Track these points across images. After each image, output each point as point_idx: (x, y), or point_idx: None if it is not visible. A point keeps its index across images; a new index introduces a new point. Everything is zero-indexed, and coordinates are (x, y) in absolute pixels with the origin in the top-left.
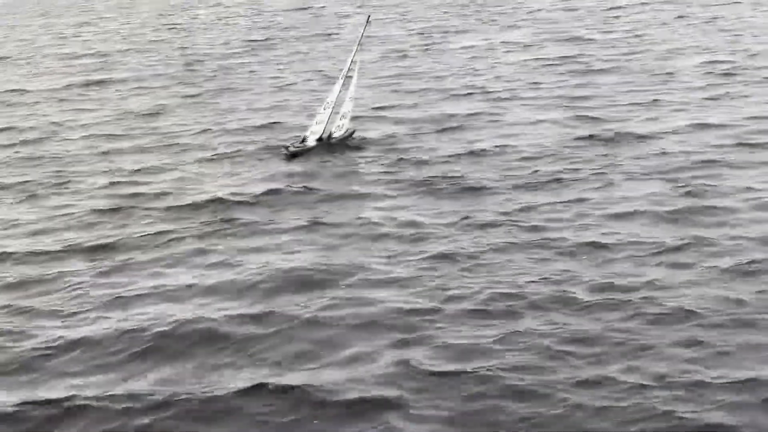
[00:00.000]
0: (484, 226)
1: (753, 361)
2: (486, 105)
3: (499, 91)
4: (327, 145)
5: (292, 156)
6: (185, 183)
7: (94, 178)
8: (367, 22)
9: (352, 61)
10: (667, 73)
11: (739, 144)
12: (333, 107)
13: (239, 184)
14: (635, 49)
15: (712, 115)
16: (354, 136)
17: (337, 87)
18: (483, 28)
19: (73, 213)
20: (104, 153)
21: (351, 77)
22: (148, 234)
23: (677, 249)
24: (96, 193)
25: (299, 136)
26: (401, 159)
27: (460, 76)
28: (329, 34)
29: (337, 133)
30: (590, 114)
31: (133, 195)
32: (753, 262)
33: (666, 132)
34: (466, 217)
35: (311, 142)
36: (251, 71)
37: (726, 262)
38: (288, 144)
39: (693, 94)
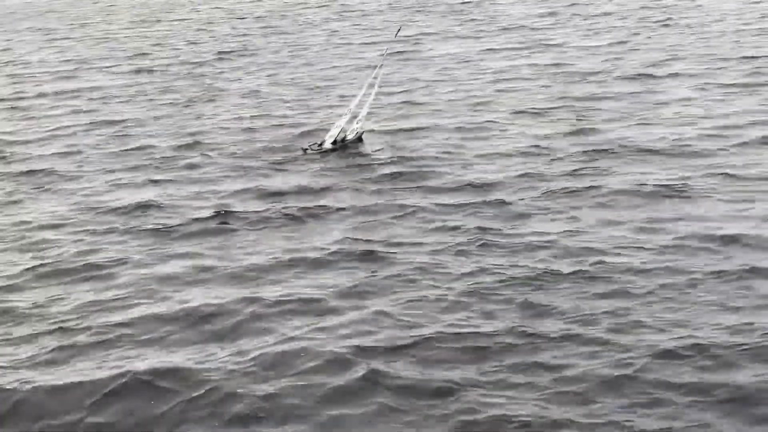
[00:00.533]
0: (467, 243)
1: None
2: (467, 114)
3: (479, 99)
4: (312, 154)
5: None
6: (160, 197)
7: (67, 191)
8: (398, 32)
9: (378, 70)
10: (653, 82)
11: (725, 155)
12: (352, 114)
13: (216, 200)
14: (619, 56)
15: (698, 124)
16: (363, 138)
17: (361, 94)
18: (462, 35)
19: (47, 227)
20: (77, 164)
21: (373, 86)
22: (127, 251)
23: (665, 271)
24: (70, 207)
25: (318, 139)
26: (382, 173)
27: (439, 85)
28: (308, 42)
29: (350, 136)
30: (575, 123)
31: (110, 209)
32: (750, 288)
33: (651, 142)
34: (451, 234)
35: (327, 145)
36: (228, 79)
37: (720, 288)
38: (306, 146)
39: (677, 104)
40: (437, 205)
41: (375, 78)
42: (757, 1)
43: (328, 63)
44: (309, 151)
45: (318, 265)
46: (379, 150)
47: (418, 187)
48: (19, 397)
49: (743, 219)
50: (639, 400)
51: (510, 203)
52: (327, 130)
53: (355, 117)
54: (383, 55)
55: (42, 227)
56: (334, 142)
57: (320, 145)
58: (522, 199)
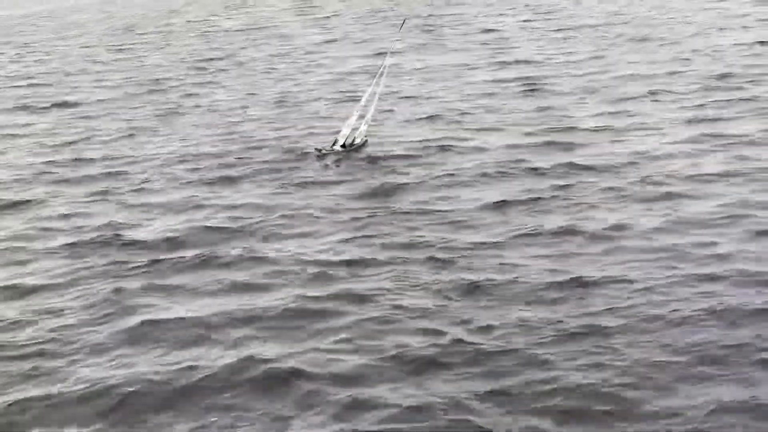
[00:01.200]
0: (449, 260)
1: None
2: (443, 129)
3: (456, 114)
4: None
5: (323, 157)
6: (127, 218)
7: (35, 215)
8: (402, 25)
9: (381, 71)
10: (627, 98)
11: (703, 168)
12: (359, 115)
13: (183, 219)
14: (594, 71)
15: (674, 140)
16: (366, 144)
17: (367, 95)
18: (437, 48)
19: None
20: (48, 185)
21: (379, 86)
22: (92, 272)
23: (644, 285)
24: (38, 230)
25: (332, 139)
26: (360, 190)
27: (416, 100)
28: (285, 55)
29: (358, 140)
30: (549, 138)
31: (80, 227)
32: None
33: (627, 157)
34: (431, 249)
35: (338, 147)
36: (201, 95)
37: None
38: (320, 147)
39: (655, 122)
40: (414, 219)
41: (380, 77)
42: (734, 16)
43: (306, 77)
44: (323, 152)
45: (306, 279)
46: (368, 167)
47: (390, 201)
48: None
49: (725, 243)
50: None
51: (487, 224)
52: (298, 146)
53: (362, 117)
54: (387, 53)
55: (8, 250)
56: (343, 146)
57: (333, 146)
58: (499, 221)
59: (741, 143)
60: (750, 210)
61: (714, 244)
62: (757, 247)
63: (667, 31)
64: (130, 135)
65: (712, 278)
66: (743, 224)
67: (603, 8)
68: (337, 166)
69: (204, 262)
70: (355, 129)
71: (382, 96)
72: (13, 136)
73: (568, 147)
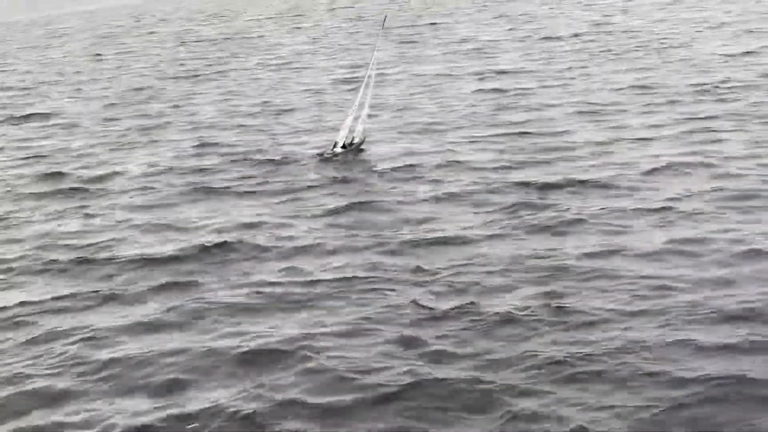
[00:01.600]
0: (430, 281)
1: None
2: (428, 143)
3: (442, 127)
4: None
5: (324, 159)
6: (106, 236)
7: (13, 227)
8: (384, 21)
9: (370, 69)
10: (613, 110)
11: (691, 184)
12: (355, 115)
13: (166, 236)
14: (578, 82)
15: (660, 154)
16: (364, 143)
17: (360, 95)
18: (422, 59)
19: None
20: (22, 199)
21: (369, 84)
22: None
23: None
24: (11, 245)
25: (331, 142)
26: (343, 208)
27: (402, 112)
28: (270, 62)
29: (357, 139)
30: (533, 152)
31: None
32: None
33: (613, 171)
34: (421, 270)
35: (338, 149)
36: (185, 105)
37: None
38: (321, 152)
39: (638, 132)
40: (398, 239)
41: (370, 76)
42: (719, 26)
43: (292, 85)
44: (326, 155)
45: (302, 302)
46: (334, 178)
47: (375, 217)
48: None
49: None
50: None
51: (470, 243)
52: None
53: (358, 117)
54: (373, 52)
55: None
56: (343, 146)
57: (333, 148)
58: (482, 236)
59: (728, 157)
60: (741, 229)
61: (701, 266)
62: (751, 269)
63: (653, 42)
64: (111, 147)
65: (699, 305)
66: (734, 245)
67: (587, 18)
68: (321, 179)
69: (187, 282)
70: (352, 130)
71: (371, 105)
72: None
73: (553, 161)
